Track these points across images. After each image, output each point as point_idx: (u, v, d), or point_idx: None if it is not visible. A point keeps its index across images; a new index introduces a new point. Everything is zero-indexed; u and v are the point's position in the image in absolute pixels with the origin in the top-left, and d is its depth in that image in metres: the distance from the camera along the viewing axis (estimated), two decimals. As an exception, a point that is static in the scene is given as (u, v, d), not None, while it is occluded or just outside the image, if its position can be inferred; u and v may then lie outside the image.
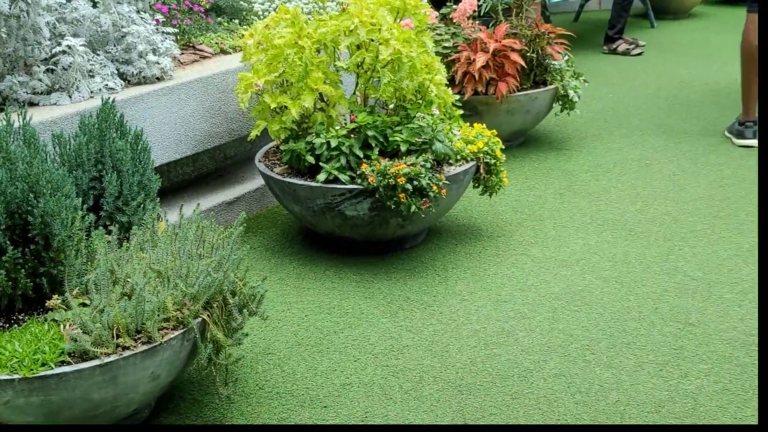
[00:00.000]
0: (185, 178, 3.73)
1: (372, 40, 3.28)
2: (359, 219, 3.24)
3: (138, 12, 3.59)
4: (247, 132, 3.72)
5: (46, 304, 2.25)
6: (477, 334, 2.82)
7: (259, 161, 3.53)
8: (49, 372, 2.03)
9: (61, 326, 2.18)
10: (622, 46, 6.88)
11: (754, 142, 4.50)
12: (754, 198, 3.83)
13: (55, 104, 3.15)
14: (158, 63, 3.44)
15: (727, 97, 5.25)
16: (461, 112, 3.70)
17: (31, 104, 3.14)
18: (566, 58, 4.65)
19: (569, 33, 4.84)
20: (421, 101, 3.41)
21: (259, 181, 3.86)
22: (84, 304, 2.23)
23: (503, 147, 3.51)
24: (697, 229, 3.55)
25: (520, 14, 4.67)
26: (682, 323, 2.84)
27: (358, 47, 3.33)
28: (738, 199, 3.84)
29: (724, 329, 2.79)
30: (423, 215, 3.17)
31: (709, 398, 2.44)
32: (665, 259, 3.30)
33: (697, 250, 3.36)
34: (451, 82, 4.33)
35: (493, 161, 3.44)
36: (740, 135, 4.56)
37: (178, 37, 3.85)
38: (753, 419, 2.34)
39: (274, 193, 3.48)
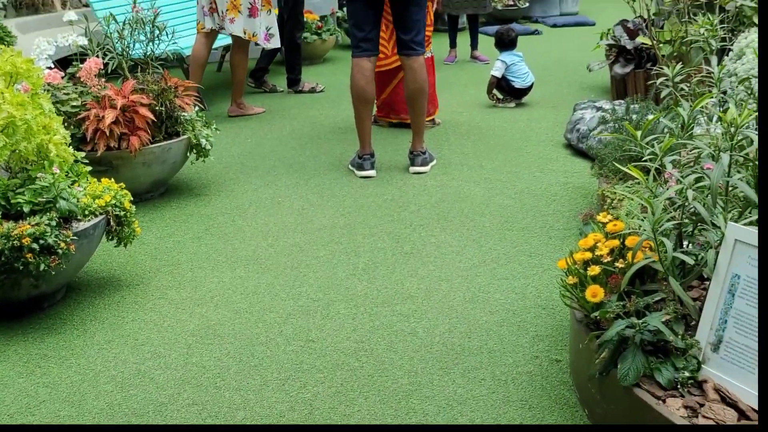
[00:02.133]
0: None
1: (-16, 106, 3.30)
2: (-12, 284, 3.24)
3: None
4: None
5: None
6: (114, 379, 2.94)
7: None
8: None
9: None
10: (307, 86, 7.48)
11: (373, 172, 5.04)
12: (369, 222, 4.31)
13: None
14: None
15: (352, 134, 5.79)
16: (90, 168, 3.80)
17: None
18: (197, 108, 4.91)
19: (198, 85, 5.12)
20: (43, 161, 3.47)
21: None
22: None
23: (131, 198, 3.66)
24: (320, 255, 3.94)
25: (147, 70, 4.86)
26: (304, 341, 3.16)
27: (-28, 113, 3.33)
28: (356, 225, 4.30)
29: (339, 340, 3.16)
30: (54, 273, 3.23)
31: (323, 402, 2.76)
32: (291, 285, 3.63)
33: (319, 274, 3.73)
34: (83, 140, 4.42)
35: (123, 213, 3.59)
36: (360, 167, 5.08)
37: None
38: (359, 415, 2.69)
39: None
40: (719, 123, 3.01)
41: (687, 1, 4.24)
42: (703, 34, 3.80)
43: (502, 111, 6.61)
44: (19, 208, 3.29)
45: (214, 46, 6.72)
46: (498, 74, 6.70)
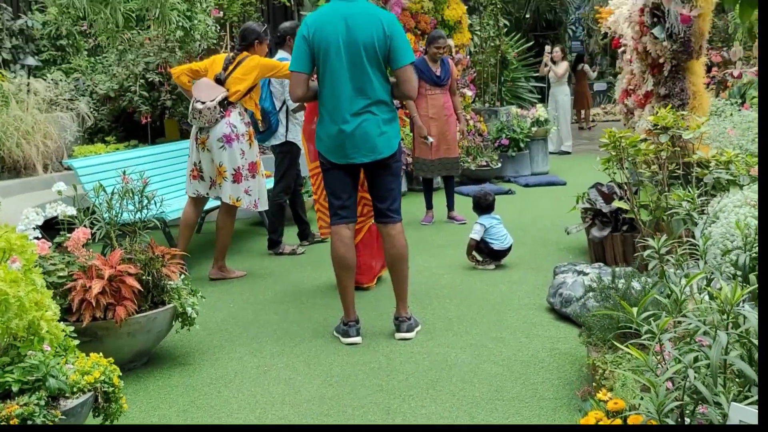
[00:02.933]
0: None
1: (-24, 283, 3.29)
2: (-29, 467, 3.13)
3: None
4: None
5: None
6: None
7: None
8: None
9: None
10: (287, 248, 7.50)
11: (358, 339, 5.02)
12: (358, 392, 4.26)
13: None
14: None
15: (335, 298, 5.78)
16: (77, 342, 3.76)
17: None
18: (182, 277, 4.91)
19: (185, 253, 5.15)
20: (33, 338, 3.44)
21: None
22: None
23: (120, 374, 3.61)
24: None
25: (135, 239, 4.89)
26: None
27: (-38, 290, 3.32)
28: (344, 395, 4.24)
29: None
30: (40, 454, 3.14)
31: None
32: (282, 463, 3.55)
33: (311, 450, 3.66)
34: (69, 310, 4.38)
35: (111, 389, 3.53)
36: (345, 334, 5.06)
37: None
38: None
39: None
40: (707, 295, 3.07)
41: (665, 173, 4.41)
42: (683, 206, 3.92)
43: (483, 273, 6.68)
44: (7, 387, 3.22)
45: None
46: (477, 237, 6.82)
